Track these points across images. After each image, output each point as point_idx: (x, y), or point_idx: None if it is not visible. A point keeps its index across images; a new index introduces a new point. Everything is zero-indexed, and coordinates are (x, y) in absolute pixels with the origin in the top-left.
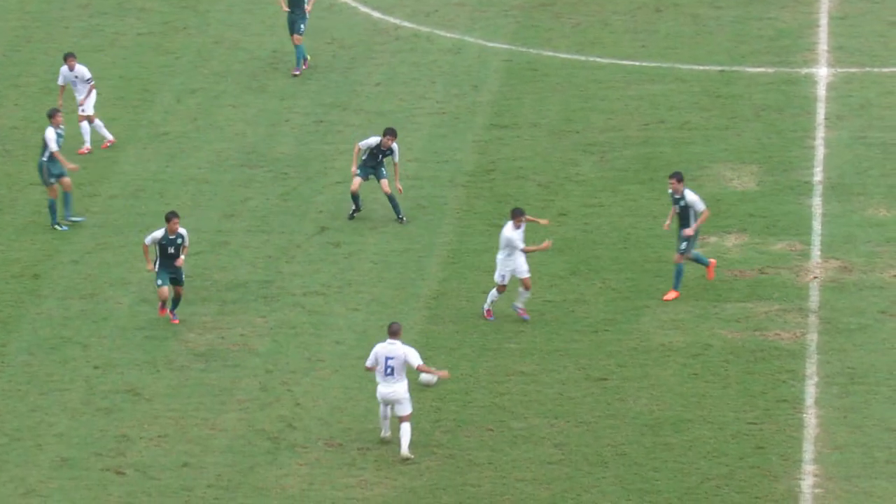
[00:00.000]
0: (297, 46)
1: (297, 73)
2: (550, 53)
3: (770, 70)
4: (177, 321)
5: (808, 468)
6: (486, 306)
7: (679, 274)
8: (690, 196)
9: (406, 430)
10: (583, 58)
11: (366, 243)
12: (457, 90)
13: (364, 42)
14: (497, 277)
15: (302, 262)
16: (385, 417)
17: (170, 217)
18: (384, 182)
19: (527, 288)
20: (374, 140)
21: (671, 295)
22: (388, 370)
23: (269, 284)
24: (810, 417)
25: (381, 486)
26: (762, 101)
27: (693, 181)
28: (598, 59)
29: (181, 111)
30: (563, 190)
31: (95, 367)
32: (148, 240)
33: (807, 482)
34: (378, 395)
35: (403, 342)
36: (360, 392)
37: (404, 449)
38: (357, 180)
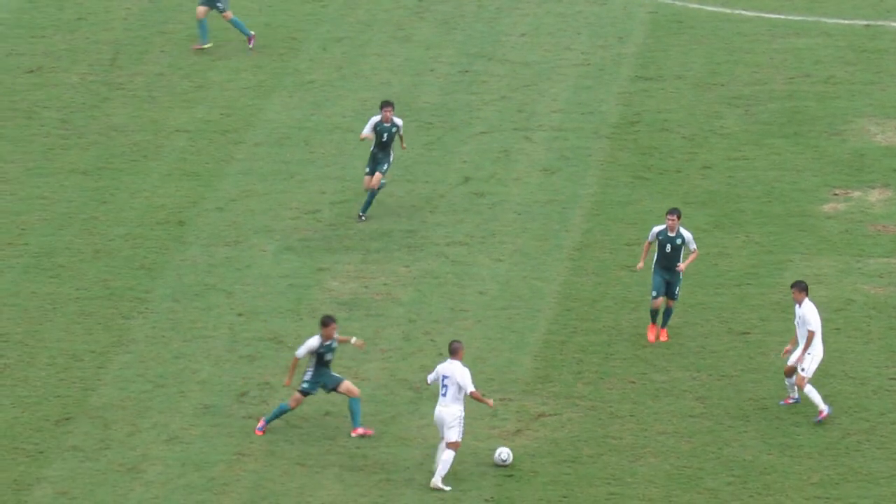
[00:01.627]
0: (231, 21)
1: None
2: (696, 6)
3: None
4: None
5: None
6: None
7: (668, 314)
8: (687, 234)
9: (447, 457)
10: (728, 10)
11: (509, 193)
12: (602, 41)
13: None
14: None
15: (446, 211)
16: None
17: (326, 322)
18: (377, 176)
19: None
20: (374, 119)
21: (654, 334)
22: (443, 390)
23: (412, 234)
24: None
25: (522, 437)
26: None
27: (837, 136)
28: (744, 12)
29: (327, 59)
30: (707, 143)
31: (239, 315)
32: (301, 351)
33: None
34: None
35: (463, 363)
36: (503, 342)
37: (436, 478)
38: (366, 178)
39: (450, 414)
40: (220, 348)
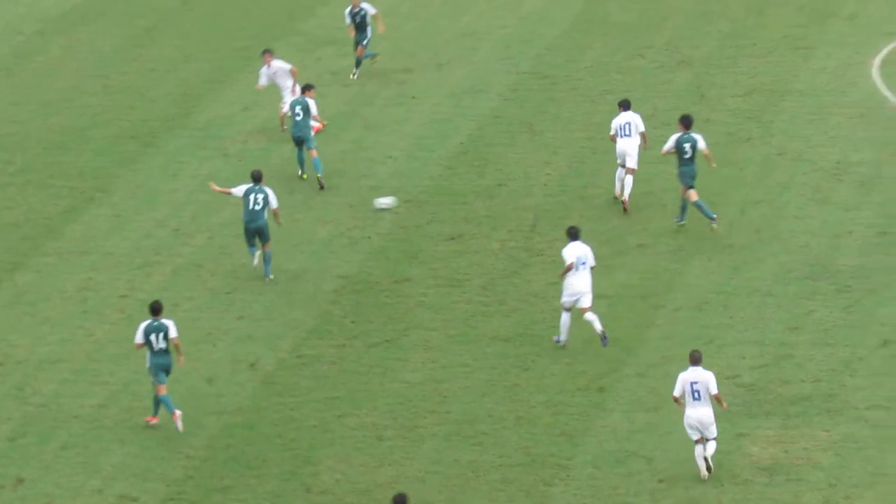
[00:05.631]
0: None
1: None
2: None
3: None
4: None
5: None
6: None
7: None
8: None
9: (712, 447)
10: None
11: None
12: None
13: None
14: None
15: (865, 375)
16: (700, 456)
17: None
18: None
19: None
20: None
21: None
22: (696, 395)
23: (832, 398)
24: None
25: None
26: None
27: None
28: None
29: (745, 223)
30: None
31: (660, 481)
32: None
33: None
34: (686, 420)
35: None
36: None
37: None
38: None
39: (708, 414)
40: None
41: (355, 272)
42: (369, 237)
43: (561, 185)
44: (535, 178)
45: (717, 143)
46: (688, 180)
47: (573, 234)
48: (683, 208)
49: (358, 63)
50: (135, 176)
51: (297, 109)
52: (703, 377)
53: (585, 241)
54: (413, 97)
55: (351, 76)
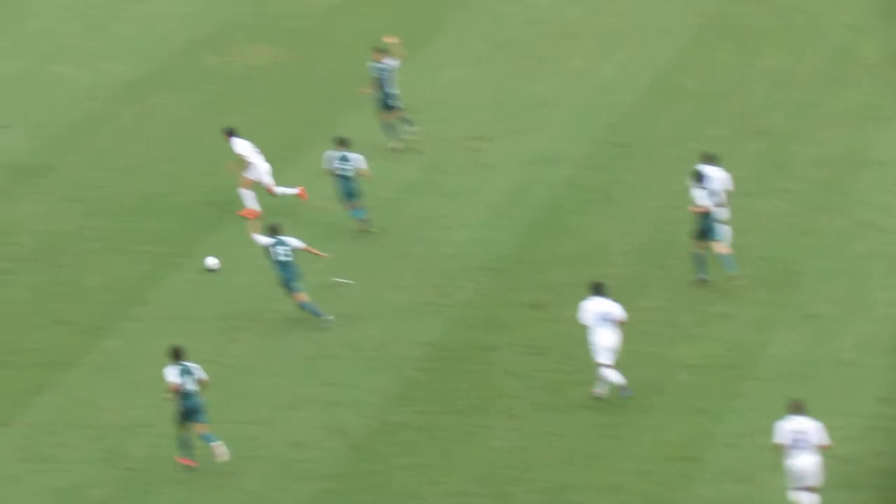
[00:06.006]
0: None
1: None
2: None
3: None
4: None
5: None
6: None
7: None
8: None
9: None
10: None
11: None
12: None
13: None
14: None
15: None
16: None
17: None
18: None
19: None
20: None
21: None
22: (800, 444)
23: None
24: None
25: None
26: None
27: None
28: None
29: (827, 293)
30: None
31: None
32: None
33: None
34: (790, 468)
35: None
36: None
37: None
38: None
39: (814, 462)
40: None
41: (438, 339)
42: (450, 305)
43: (640, 254)
44: (614, 247)
45: (795, 213)
46: (714, 233)
47: (596, 290)
48: (702, 261)
49: (408, 122)
50: (216, 241)
51: (345, 165)
52: (808, 427)
53: (611, 297)
54: (488, 165)
55: (411, 136)
